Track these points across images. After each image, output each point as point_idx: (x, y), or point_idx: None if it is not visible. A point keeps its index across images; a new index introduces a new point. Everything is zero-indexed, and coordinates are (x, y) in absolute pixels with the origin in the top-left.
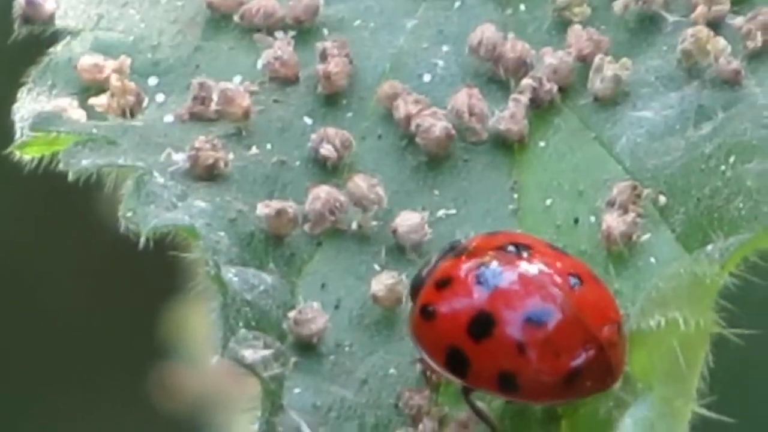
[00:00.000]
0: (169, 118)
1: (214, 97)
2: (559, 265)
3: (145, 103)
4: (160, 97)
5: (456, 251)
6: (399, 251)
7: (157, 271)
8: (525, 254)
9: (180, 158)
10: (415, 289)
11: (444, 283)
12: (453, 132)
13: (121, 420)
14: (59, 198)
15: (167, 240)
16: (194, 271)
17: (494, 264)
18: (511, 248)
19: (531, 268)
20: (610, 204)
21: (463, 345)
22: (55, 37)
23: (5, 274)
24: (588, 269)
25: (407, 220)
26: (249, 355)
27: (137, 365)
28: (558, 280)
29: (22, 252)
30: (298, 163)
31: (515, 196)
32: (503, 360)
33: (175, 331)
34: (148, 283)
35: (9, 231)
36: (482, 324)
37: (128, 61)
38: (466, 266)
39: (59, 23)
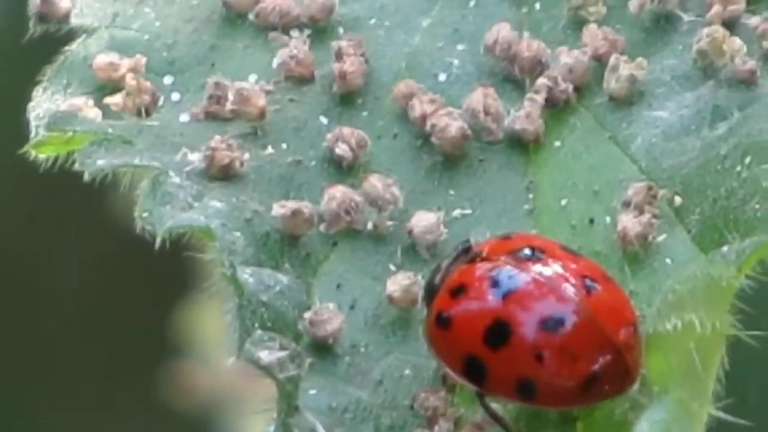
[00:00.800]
0: (184, 117)
1: (230, 96)
2: (573, 268)
3: (160, 102)
4: (175, 96)
5: (469, 256)
6: (414, 251)
7: (169, 270)
8: (539, 258)
9: (196, 158)
10: (429, 294)
11: (458, 291)
12: (468, 132)
13: (133, 419)
14: (72, 196)
15: (183, 240)
16: (209, 271)
17: (508, 270)
18: (524, 252)
19: (545, 272)
20: (626, 204)
21: (480, 353)
22: (70, 36)
23: (16, 272)
24: (603, 271)
25: (423, 220)
26: (265, 356)
27: (149, 364)
28: (573, 284)
29: (34, 250)
30: (313, 162)
31: (530, 196)
32: (521, 367)
33: (187, 330)
34: (160, 282)
35: (22, 229)
36: (499, 332)
37: (144, 59)
38: (479, 273)
39: (75, 21)
